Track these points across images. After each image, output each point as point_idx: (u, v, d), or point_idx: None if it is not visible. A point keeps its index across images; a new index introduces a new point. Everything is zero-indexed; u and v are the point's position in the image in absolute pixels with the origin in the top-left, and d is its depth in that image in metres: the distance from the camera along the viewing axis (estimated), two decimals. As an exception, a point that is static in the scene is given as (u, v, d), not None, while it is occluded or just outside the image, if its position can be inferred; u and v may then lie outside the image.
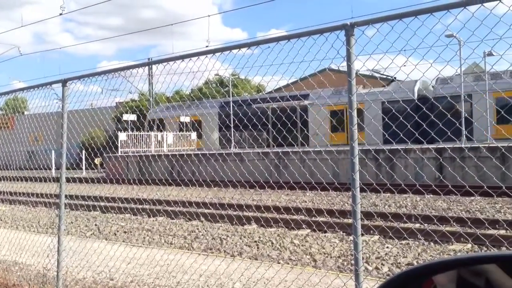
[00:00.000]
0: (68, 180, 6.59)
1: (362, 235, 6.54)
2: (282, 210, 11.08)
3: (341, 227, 9.33)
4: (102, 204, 13.31)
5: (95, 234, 10.60)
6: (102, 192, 14.70)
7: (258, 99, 22.95)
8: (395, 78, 24.91)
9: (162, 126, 31.47)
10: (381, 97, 19.48)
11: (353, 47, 3.43)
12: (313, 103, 23.29)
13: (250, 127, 21.70)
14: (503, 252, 3.17)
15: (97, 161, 29.37)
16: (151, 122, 33.78)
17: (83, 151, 28.44)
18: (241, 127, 24.38)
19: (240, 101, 26.13)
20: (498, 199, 12.19)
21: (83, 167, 29.65)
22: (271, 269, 6.23)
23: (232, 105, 26.80)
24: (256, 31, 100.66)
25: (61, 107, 5.57)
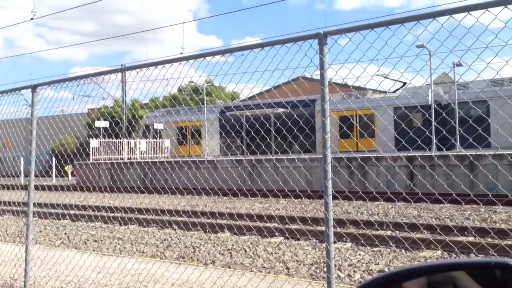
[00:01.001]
0: (37, 187, 6.45)
1: (335, 242, 6.58)
2: (255, 217, 11.06)
3: (314, 234, 9.37)
4: (72, 212, 13.07)
5: (65, 243, 10.38)
6: (72, 200, 14.42)
7: (261, 104, 21.53)
8: (405, 83, 24.20)
9: (158, 132, 30.39)
10: (396, 103, 19.17)
11: (326, 56, 3.46)
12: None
13: (252, 133, 20.66)
14: (471, 259, 3.24)
15: (67, 168, 28.86)
16: (146, 128, 32.48)
17: (53, 158, 27.90)
18: (243, 133, 22.95)
19: (242, 106, 24.23)
20: (466, 206, 12.44)
21: (53, 175, 29.09)
22: (244, 277, 6.20)
23: (233, 110, 24.59)
24: (230, 39, 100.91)
25: (30, 113, 5.46)
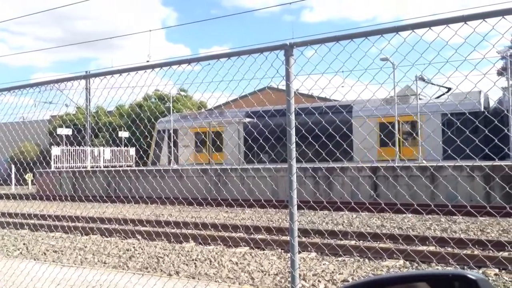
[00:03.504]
0: (-6, 196, 6.25)
1: (300, 252, 6.59)
2: (220, 227, 11.00)
3: (279, 244, 9.38)
4: (31, 222, 12.69)
5: (23, 254, 10.05)
6: (31, 209, 14.01)
7: (297, 109, 19.33)
8: (449, 88, 23.04)
9: (175, 137, 28.42)
10: (442, 109, 18.57)
11: (292, 67, 3.50)
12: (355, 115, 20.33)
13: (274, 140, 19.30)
14: (431, 271, 3.29)
15: (27, 176, 28.08)
16: (162, 133, 30.38)
17: (12, 166, 27.07)
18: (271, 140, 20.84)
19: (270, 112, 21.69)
20: (428, 216, 12.71)
21: (12, 183, 28.24)
22: (208, 287, 6.15)
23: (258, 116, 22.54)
24: (198, 48, 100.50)
25: (-12, 120, 5.30)
